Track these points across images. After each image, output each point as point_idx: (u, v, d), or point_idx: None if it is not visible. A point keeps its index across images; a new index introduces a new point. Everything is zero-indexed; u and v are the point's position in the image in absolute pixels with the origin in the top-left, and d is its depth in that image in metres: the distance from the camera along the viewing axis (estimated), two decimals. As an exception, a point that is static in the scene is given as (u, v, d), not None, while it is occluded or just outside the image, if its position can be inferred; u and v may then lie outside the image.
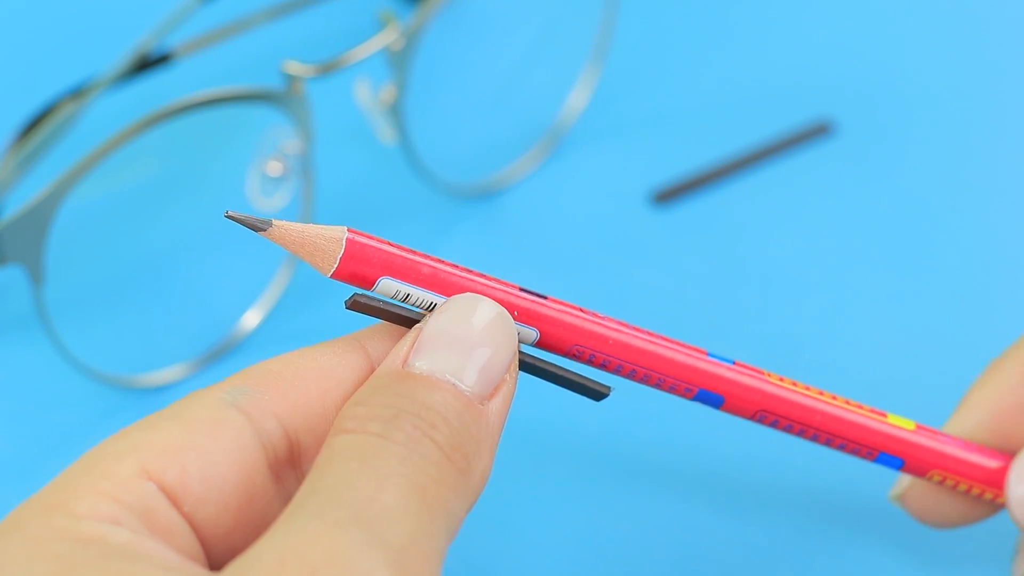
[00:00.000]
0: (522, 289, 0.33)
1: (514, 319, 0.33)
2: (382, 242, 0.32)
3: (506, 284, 0.33)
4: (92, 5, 0.61)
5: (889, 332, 0.50)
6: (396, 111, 0.50)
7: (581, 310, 0.34)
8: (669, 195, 0.55)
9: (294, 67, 0.47)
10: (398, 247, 0.32)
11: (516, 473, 0.45)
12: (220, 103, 0.46)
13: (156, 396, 0.48)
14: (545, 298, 0.33)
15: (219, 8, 0.56)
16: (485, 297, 0.32)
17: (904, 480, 0.39)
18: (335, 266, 0.32)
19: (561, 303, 0.33)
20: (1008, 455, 0.38)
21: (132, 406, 0.48)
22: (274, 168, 0.49)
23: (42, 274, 0.44)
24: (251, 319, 0.50)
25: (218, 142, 0.48)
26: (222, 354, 0.49)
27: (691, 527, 0.44)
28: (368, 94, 0.51)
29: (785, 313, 0.51)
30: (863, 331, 0.50)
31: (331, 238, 0.32)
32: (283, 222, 0.32)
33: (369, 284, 0.32)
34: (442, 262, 0.33)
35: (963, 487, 0.38)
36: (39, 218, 0.43)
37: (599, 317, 0.34)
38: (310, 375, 0.32)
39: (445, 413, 0.30)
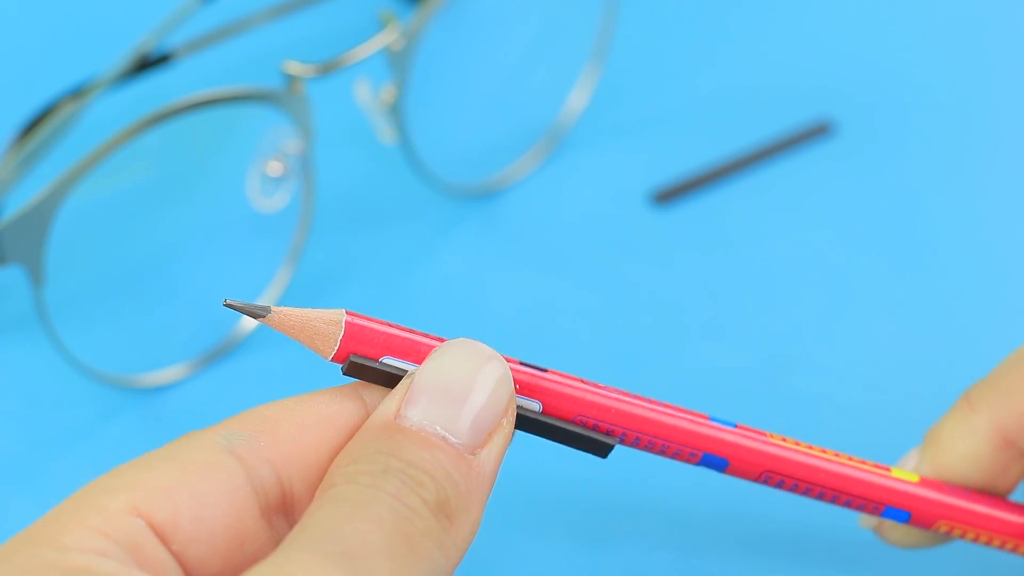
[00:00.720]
0: (523, 363, 0.33)
1: (516, 392, 0.32)
2: (381, 323, 0.32)
3: (506, 359, 0.33)
4: (92, 5, 0.61)
5: (888, 332, 0.50)
6: (396, 111, 0.50)
7: (582, 381, 0.33)
8: (669, 195, 0.55)
9: (294, 67, 0.47)
10: (397, 327, 0.32)
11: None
12: (220, 103, 0.46)
13: (156, 396, 0.48)
14: (545, 371, 0.33)
15: (219, 8, 0.56)
16: (478, 343, 0.32)
17: None
18: (335, 349, 0.32)
19: (561, 375, 0.33)
20: (1011, 505, 0.38)
21: (132, 406, 0.48)
22: (274, 168, 0.49)
23: (42, 274, 0.44)
24: (251, 319, 0.49)
25: (218, 142, 0.48)
26: (222, 354, 0.49)
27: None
28: (368, 94, 0.51)
29: (785, 313, 0.51)
30: (863, 331, 0.50)
31: (330, 321, 0.32)
32: (282, 308, 0.32)
33: None
34: (441, 340, 0.32)
35: (971, 536, 0.38)
36: (39, 218, 0.43)
37: (600, 387, 0.34)
38: (306, 424, 0.32)
39: (432, 471, 0.30)
